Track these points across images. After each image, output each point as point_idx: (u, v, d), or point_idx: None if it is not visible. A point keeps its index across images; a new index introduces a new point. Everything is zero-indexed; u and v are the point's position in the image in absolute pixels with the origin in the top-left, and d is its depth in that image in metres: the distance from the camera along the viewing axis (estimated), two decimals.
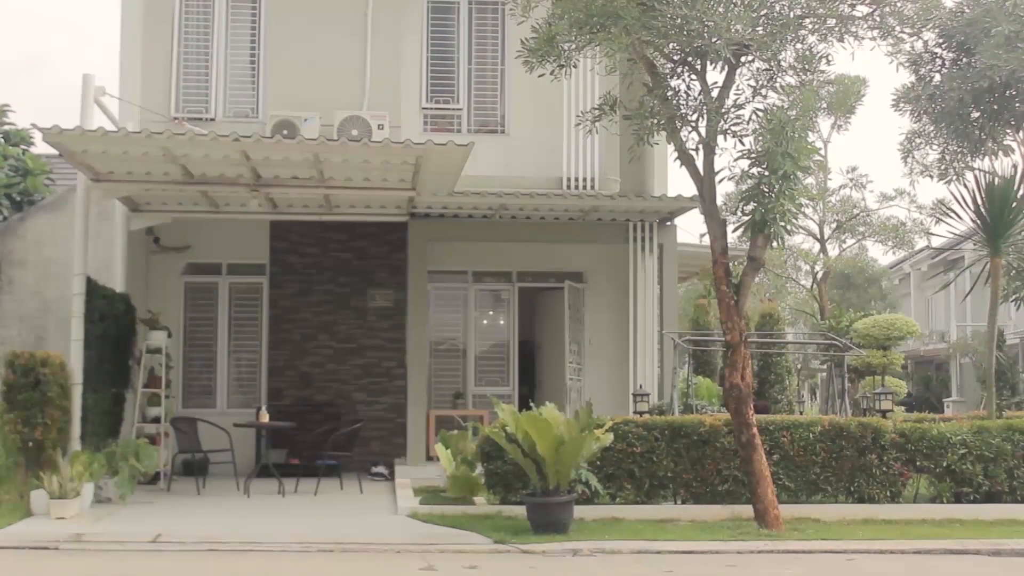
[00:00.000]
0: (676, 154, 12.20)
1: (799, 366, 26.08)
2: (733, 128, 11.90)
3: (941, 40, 14.91)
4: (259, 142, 11.27)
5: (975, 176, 13.86)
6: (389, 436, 15.34)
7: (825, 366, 23.92)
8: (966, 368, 31.91)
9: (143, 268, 15.06)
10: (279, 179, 12.62)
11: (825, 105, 25.65)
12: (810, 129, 11.99)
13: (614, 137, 14.66)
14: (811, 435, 11.76)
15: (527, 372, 16.71)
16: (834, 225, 33.29)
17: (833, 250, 34.12)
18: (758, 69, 12.16)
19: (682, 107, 12.01)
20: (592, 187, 15.35)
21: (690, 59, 11.89)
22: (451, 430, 13.59)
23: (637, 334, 15.48)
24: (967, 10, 14.57)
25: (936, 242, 27.97)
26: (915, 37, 12.56)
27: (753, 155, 11.98)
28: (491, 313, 16.47)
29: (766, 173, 11.79)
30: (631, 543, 9.61)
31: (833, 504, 11.62)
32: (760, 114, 11.84)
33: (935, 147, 16.13)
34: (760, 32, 11.28)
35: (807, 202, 28.88)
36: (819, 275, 33.40)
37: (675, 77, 12.27)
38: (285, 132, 13.33)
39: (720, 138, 11.87)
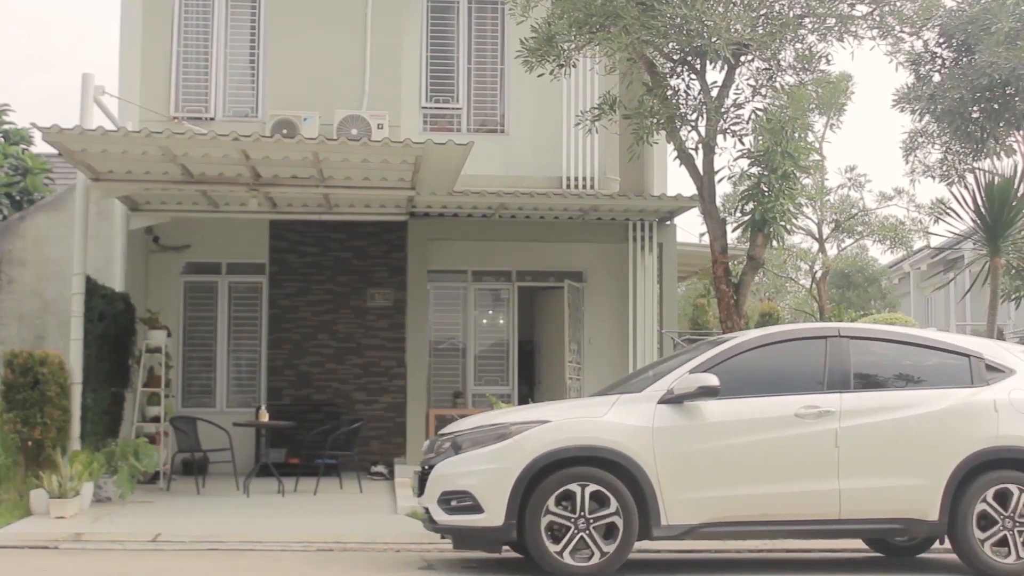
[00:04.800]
0: (676, 154, 12.22)
1: None
2: (732, 127, 11.92)
3: (941, 39, 14.91)
4: (258, 141, 11.27)
5: (975, 175, 13.88)
6: (388, 435, 15.34)
7: None
8: None
9: (142, 267, 15.05)
10: (279, 178, 12.61)
11: (816, 105, 25.68)
12: (807, 129, 12.02)
13: (614, 137, 14.66)
14: None
15: (527, 371, 16.70)
16: (832, 225, 33.28)
17: (832, 250, 34.14)
18: (758, 68, 12.18)
19: (682, 106, 12.02)
20: (592, 186, 15.35)
21: (690, 59, 11.90)
22: None
23: (637, 333, 15.47)
24: (967, 8, 14.58)
25: (935, 241, 27.97)
26: (915, 36, 12.58)
27: (753, 154, 11.99)
28: (491, 312, 16.46)
29: (765, 172, 11.81)
30: (636, 543, 9.58)
31: None
32: (759, 114, 11.85)
33: (937, 147, 16.14)
34: (760, 32, 11.30)
35: (806, 201, 28.84)
36: (818, 274, 33.41)
37: (675, 77, 12.29)
38: (285, 131, 13.33)
39: (720, 137, 11.89)
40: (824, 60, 12.11)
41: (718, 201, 12.68)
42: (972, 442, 8.06)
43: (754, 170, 11.99)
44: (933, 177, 16.34)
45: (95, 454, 11.62)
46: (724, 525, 7.98)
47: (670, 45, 11.68)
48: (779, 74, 12.08)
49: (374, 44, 15.17)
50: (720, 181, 12.49)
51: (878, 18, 11.78)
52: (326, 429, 13.87)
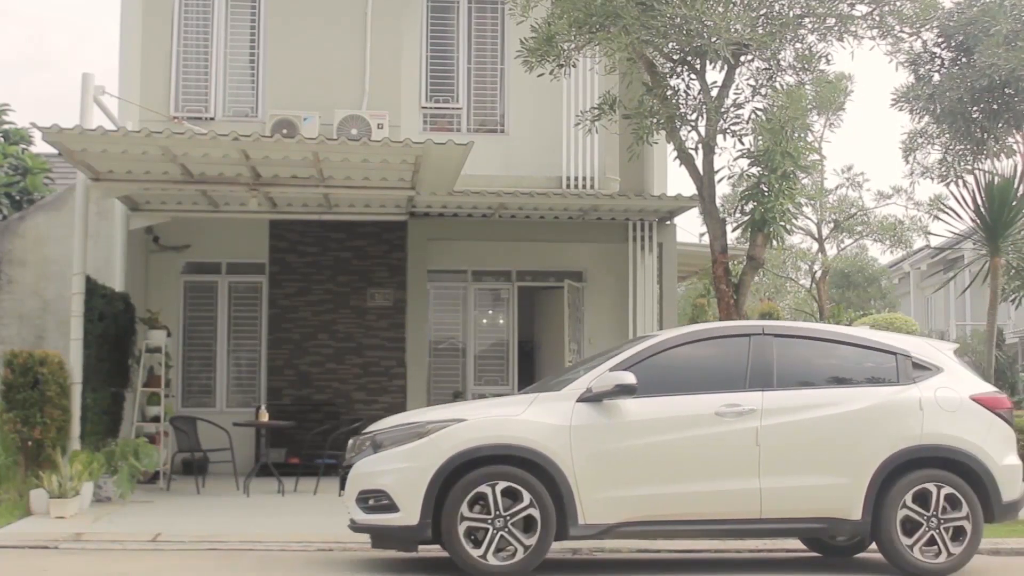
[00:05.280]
0: (676, 153, 12.23)
1: None
2: (732, 127, 11.92)
3: (940, 40, 14.92)
4: (258, 141, 11.26)
5: (975, 176, 13.88)
6: None
7: None
8: None
9: (142, 267, 15.06)
10: (278, 178, 12.61)
11: (814, 104, 25.71)
12: (807, 128, 12.01)
13: (613, 136, 14.66)
14: None
15: (527, 371, 16.70)
16: (831, 224, 33.30)
17: (832, 249, 34.15)
18: (757, 68, 12.18)
19: (681, 106, 12.03)
20: (592, 186, 15.35)
21: (689, 58, 11.90)
22: None
23: (637, 333, 15.45)
24: (966, 10, 14.58)
25: (935, 241, 27.96)
26: (915, 36, 12.60)
27: (752, 154, 11.99)
28: (490, 312, 16.47)
29: (765, 172, 11.81)
30: (634, 543, 9.59)
31: None
32: (759, 113, 11.85)
33: (937, 147, 16.13)
34: (759, 31, 11.30)
35: (806, 201, 28.76)
36: (818, 274, 33.42)
37: (674, 76, 12.30)
38: (285, 131, 13.32)
39: (719, 137, 11.90)
40: (824, 60, 12.13)
41: (718, 201, 12.68)
42: (896, 441, 8.01)
43: (754, 170, 12.00)
44: (932, 178, 16.33)
45: (95, 454, 11.62)
46: (643, 524, 7.93)
47: (670, 45, 11.68)
48: (779, 74, 12.09)
49: (374, 44, 15.17)
50: (720, 181, 12.50)
51: (878, 18, 11.79)
52: (326, 429, 13.87)
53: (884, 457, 7.97)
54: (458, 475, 7.71)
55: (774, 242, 12.34)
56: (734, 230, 12.86)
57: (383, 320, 15.71)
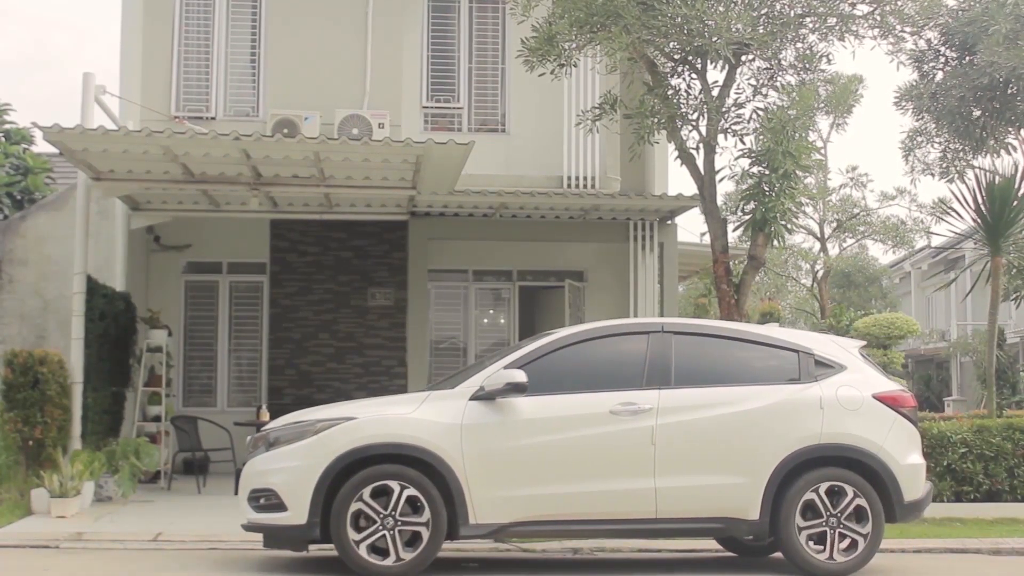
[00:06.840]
0: (676, 153, 12.23)
1: None
2: (734, 127, 11.93)
3: (944, 38, 14.91)
4: (260, 141, 11.27)
5: (976, 175, 13.88)
6: None
7: None
8: (966, 367, 31.95)
9: (143, 267, 15.06)
10: (279, 178, 12.61)
11: (823, 105, 25.68)
12: (810, 128, 11.99)
13: (615, 136, 14.66)
14: None
15: None
16: (834, 224, 33.31)
17: (833, 249, 34.15)
18: (759, 68, 12.19)
19: (682, 106, 12.03)
20: (592, 186, 15.35)
21: (690, 58, 11.91)
22: None
23: None
24: (967, 8, 14.58)
25: (936, 241, 28.00)
26: (916, 36, 12.60)
27: (754, 154, 12.00)
28: (491, 312, 16.47)
29: (766, 172, 11.81)
30: (635, 542, 9.61)
31: None
32: (761, 113, 11.86)
33: (936, 145, 16.14)
34: (760, 31, 11.30)
35: (807, 201, 28.82)
36: (819, 274, 33.42)
37: (675, 76, 12.30)
38: (286, 131, 13.31)
39: (720, 137, 11.90)
40: (825, 59, 12.14)
41: (719, 200, 12.68)
42: (794, 440, 7.94)
43: (755, 169, 12.01)
44: (932, 174, 16.34)
45: (96, 453, 11.63)
46: (536, 524, 7.87)
47: (671, 44, 11.69)
48: (780, 73, 12.10)
49: (375, 44, 15.17)
50: (721, 180, 12.51)
51: (879, 17, 11.79)
52: None
53: (782, 457, 7.89)
54: (348, 474, 7.65)
55: (775, 242, 12.34)
56: (735, 230, 12.85)
57: (384, 320, 15.71)
